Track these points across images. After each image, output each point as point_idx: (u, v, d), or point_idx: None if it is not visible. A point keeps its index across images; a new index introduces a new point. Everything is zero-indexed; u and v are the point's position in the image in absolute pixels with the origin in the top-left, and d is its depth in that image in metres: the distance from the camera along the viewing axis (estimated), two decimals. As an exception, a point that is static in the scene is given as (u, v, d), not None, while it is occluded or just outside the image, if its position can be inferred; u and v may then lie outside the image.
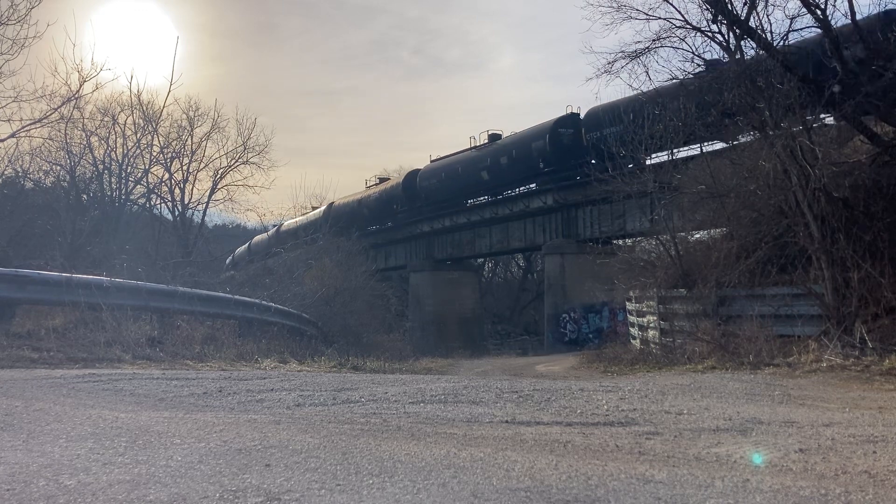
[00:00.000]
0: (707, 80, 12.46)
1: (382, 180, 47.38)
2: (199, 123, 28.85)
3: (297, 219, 51.60)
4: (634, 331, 16.93)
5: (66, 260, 17.78)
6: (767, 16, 14.05)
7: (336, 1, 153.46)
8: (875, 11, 12.14)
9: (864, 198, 10.42)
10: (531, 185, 34.08)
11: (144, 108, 26.92)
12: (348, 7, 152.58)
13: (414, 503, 3.03)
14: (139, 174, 28.02)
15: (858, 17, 10.89)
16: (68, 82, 20.42)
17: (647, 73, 13.51)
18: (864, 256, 9.74)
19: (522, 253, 46.06)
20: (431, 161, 41.74)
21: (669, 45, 12.58)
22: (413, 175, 42.12)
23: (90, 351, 10.38)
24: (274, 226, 52.23)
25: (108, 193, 27.85)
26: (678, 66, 15.07)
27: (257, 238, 52.44)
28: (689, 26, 12.05)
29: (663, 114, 15.21)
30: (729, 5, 11.28)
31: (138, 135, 27.25)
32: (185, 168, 28.57)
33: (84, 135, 25.75)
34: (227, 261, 46.90)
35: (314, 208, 52.35)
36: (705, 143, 15.28)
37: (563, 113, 32.34)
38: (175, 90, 51.50)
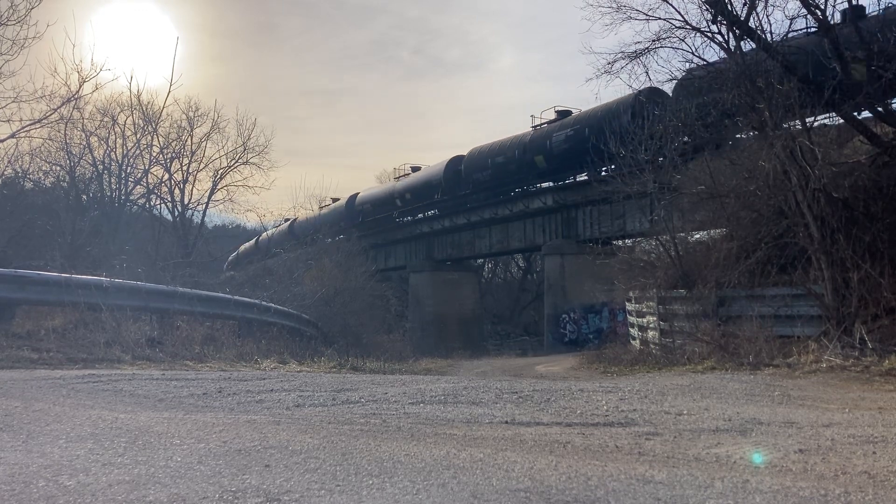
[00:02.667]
0: (706, 80, 12.48)
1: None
2: (199, 124, 28.95)
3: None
4: (634, 331, 16.93)
5: (66, 260, 17.78)
6: (767, 16, 14.11)
7: (336, 1, 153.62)
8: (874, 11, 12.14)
9: (864, 198, 10.42)
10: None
11: (144, 109, 27.00)
12: (348, 7, 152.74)
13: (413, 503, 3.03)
14: (139, 174, 28.08)
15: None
16: (68, 83, 20.46)
17: (646, 73, 13.55)
18: (864, 257, 9.75)
19: (522, 253, 45.99)
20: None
21: (669, 45, 12.62)
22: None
23: (90, 351, 10.38)
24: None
25: (108, 194, 27.89)
26: (678, 66, 15.08)
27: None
28: (688, 27, 12.08)
29: (663, 114, 15.23)
30: (729, 6, 11.30)
31: (138, 135, 27.33)
32: (184, 168, 28.65)
33: (84, 135, 25.83)
34: (229, 260, 46.31)
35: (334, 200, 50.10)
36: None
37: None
38: (175, 90, 51.60)
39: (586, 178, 29.29)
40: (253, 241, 49.80)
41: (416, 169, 42.44)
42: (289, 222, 49.41)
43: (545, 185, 32.30)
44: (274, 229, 50.55)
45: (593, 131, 25.71)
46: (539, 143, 30.41)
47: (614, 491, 3.21)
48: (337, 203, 47.35)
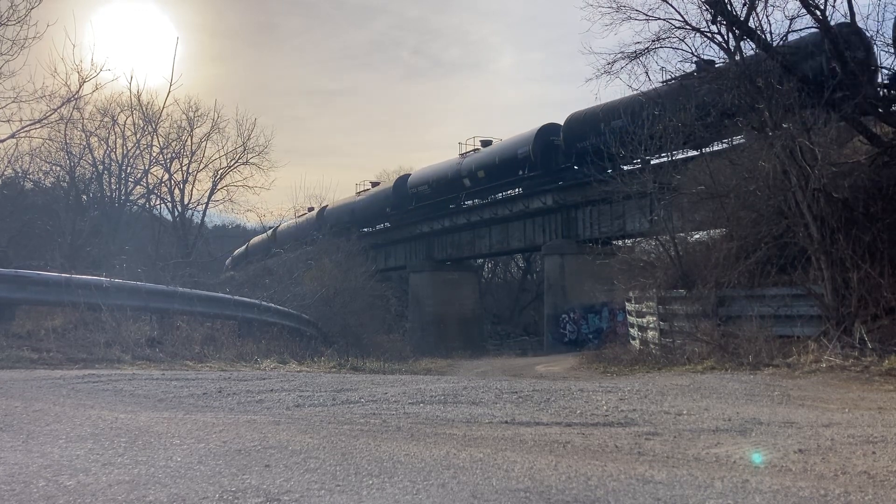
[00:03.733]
0: (707, 80, 12.48)
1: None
2: (199, 124, 28.92)
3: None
4: (634, 331, 16.94)
5: (66, 260, 17.79)
6: (767, 16, 14.04)
7: (336, 1, 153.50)
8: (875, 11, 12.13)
9: (864, 198, 10.43)
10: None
11: (144, 109, 26.99)
12: (348, 7, 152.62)
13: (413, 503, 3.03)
14: (139, 175, 28.11)
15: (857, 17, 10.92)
16: (68, 83, 20.46)
17: (646, 73, 13.53)
18: (864, 257, 9.75)
19: (522, 253, 45.98)
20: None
21: (669, 45, 12.60)
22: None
23: (90, 351, 10.38)
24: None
25: (108, 194, 27.92)
26: (678, 66, 15.05)
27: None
28: (688, 27, 12.07)
29: (663, 114, 15.21)
30: (728, 6, 11.29)
31: (138, 135, 27.35)
32: (184, 168, 28.64)
33: (84, 135, 25.84)
34: (227, 261, 45.31)
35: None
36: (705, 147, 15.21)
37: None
38: (175, 90, 51.36)
39: (586, 178, 29.28)
40: (268, 234, 47.17)
41: (486, 143, 36.53)
42: (314, 210, 46.57)
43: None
44: (299, 218, 48.00)
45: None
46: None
47: (614, 491, 3.21)
48: (380, 187, 43.19)
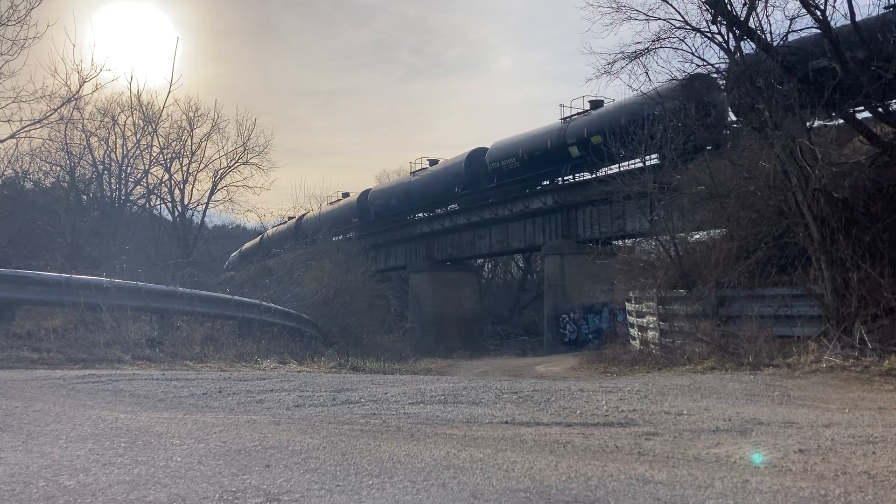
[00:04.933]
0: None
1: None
2: (199, 124, 28.88)
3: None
4: (634, 331, 16.93)
5: (66, 261, 17.79)
6: (767, 17, 13.99)
7: (336, 1, 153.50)
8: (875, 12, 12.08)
9: (864, 198, 10.43)
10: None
11: (144, 109, 26.96)
12: (348, 7, 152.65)
13: (413, 504, 3.03)
14: (139, 175, 28.07)
15: (857, 17, 10.91)
16: (68, 83, 20.49)
17: (646, 73, 13.50)
18: (864, 257, 9.75)
19: (522, 253, 45.98)
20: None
21: (669, 45, 12.58)
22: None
23: (90, 351, 10.39)
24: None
25: (108, 194, 27.87)
26: (678, 66, 15.02)
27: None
28: (688, 27, 12.05)
29: (663, 115, 15.19)
30: (728, 6, 11.29)
31: (138, 135, 27.31)
32: (184, 169, 28.62)
33: (84, 135, 25.80)
34: (234, 255, 43.44)
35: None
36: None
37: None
38: (175, 90, 51.30)
39: (586, 177, 29.29)
40: (273, 228, 46.09)
41: (597, 104, 28.58)
42: (353, 195, 42.87)
43: (545, 184, 32.21)
44: (333, 204, 45.21)
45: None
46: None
47: (614, 491, 3.21)
48: (446, 163, 37.12)
